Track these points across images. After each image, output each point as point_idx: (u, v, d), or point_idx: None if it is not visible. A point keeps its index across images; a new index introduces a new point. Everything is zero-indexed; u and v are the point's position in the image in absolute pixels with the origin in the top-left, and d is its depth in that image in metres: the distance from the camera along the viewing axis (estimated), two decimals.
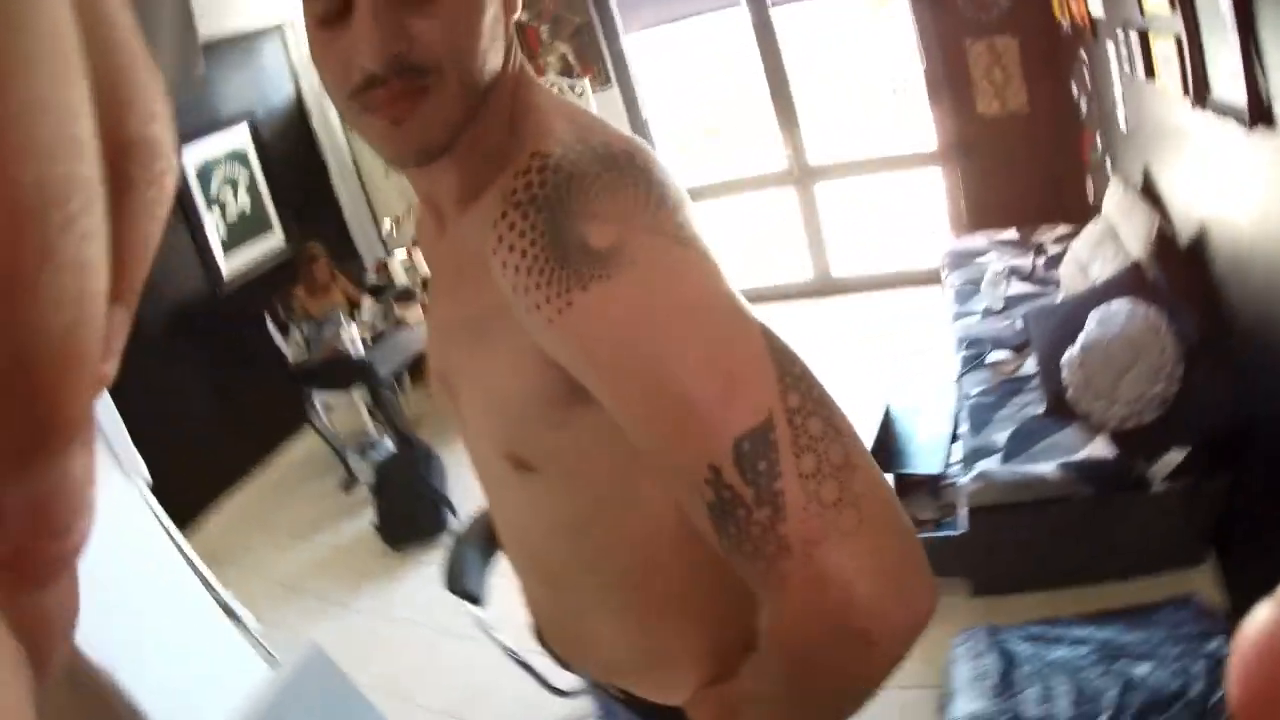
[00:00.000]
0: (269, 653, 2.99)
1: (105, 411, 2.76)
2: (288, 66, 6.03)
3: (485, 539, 2.39)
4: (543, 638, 1.19)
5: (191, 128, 5.02)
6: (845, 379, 4.25)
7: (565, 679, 2.35)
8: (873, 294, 5.51)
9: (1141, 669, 1.94)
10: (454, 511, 4.18)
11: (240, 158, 5.43)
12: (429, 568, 3.93)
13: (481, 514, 2.44)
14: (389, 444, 4.83)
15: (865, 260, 6.01)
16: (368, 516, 4.41)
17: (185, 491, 3.33)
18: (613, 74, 5.60)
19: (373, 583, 3.99)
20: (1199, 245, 2.91)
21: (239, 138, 5.43)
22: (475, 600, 2.26)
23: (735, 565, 0.67)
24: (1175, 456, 2.60)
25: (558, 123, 0.79)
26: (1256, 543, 2.58)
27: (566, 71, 5.54)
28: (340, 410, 5.16)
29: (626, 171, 0.70)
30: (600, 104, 5.42)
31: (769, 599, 0.67)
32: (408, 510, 4.19)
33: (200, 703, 2.51)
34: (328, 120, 6.24)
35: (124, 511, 2.69)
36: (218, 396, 5.13)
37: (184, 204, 5.00)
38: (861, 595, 0.62)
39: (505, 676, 3.04)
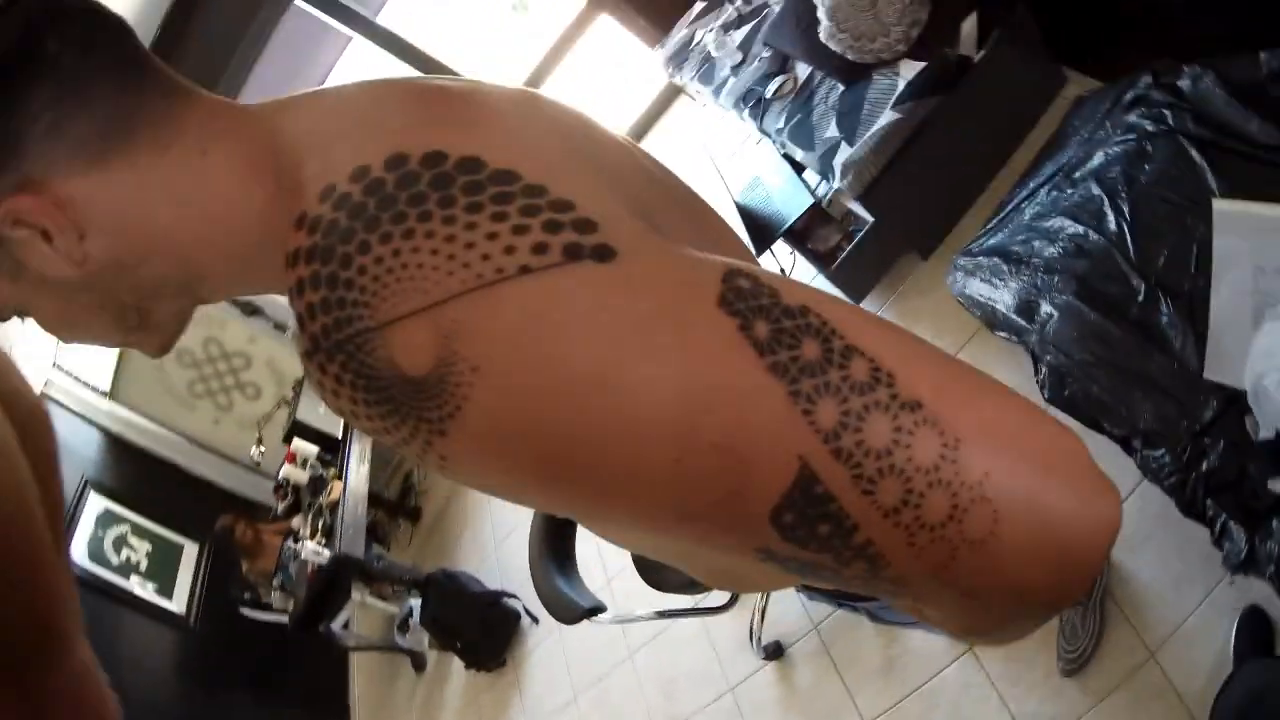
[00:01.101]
0: None
1: None
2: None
3: (552, 548, 2.35)
4: None
5: None
6: None
7: (719, 597, 2.44)
8: None
9: (1098, 160, 1.89)
10: (509, 594, 4.20)
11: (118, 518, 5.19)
12: (536, 650, 3.99)
13: (533, 528, 2.39)
14: (412, 602, 4.76)
15: None
16: (456, 668, 4.39)
17: None
18: None
19: (511, 705, 3.94)
20: None
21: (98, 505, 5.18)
22: (596, 609, 2.22)
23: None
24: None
25: (308, 166, 0.58)
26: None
27: None
28: (358, 616, 5.04)
29: (404, 207, 0.50)
30: None
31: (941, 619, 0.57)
32: (479, 627, 4.15)
33: None
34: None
35: None
36: (261, 703, 4.97)
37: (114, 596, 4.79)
38: (1033, 581, 0.49)
39: (676, 667, 3.14)
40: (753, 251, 0.66)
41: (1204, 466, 1.47)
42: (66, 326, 0.69)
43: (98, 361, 5.54)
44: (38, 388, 5.32)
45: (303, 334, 0.52)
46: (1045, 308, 1.83)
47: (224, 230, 0.63)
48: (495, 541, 4.71)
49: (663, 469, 0.47)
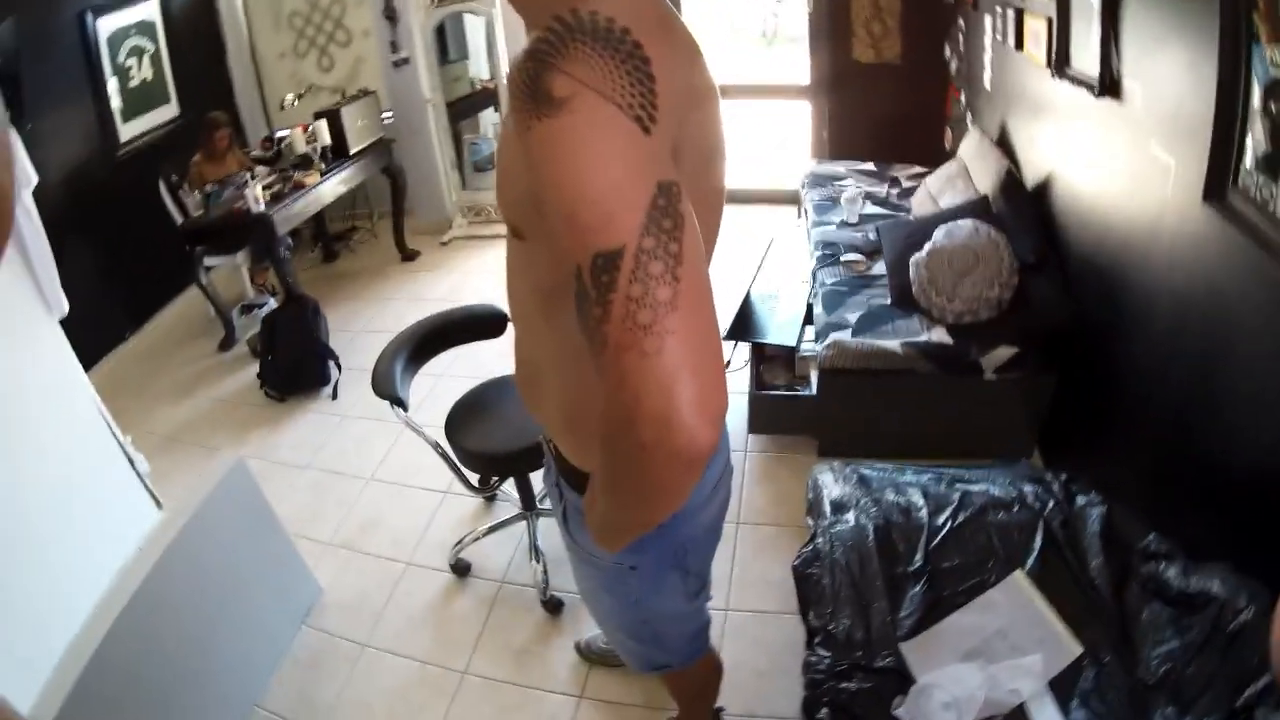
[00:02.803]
0: (156, 498, 3.10)
1: (38, 246, 2.83)
2: None
3: (410, 353, 2.76)
4: (521, 386, 1.44)
5: None
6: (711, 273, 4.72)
7: (473, 478, 2.77)
8: (740, 207, 5.87)
9: (979, 488, 2.34)
10: (339, 365, 4.43)
11: (149, 29, 5.42)
12: (314, 415, 4.20)
13: (404, 332, 2.82)
14: (273, 302, 4.97)
15: (734, 177, 6.33)
16: (248, 371, 4.61)
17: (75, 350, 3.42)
18: None
19: (258, 431, 4.15)
20: (1042, 187, 3.42)
21: (149, 9, 5.43)
22: (401, 403, 2.56)
23: (587, 347, 0.87)
24: (1005, 352, 3.06)
25: None
26: (1071, 439, 3.09)
27: None
28: (220, 277, 5.27)
29: (608, 45, 0.84)
30: (504, 11, 5.64)
31: (599, 380, 0.85)
32: (293, 363, 4.38)
33: (90, 535, 2.63)
34: (233, 3, 6.30)
35: (42, 344, 2.76)
36: (106, 257, 5.10)
37: (92, 72, 5.03)
38: (645, 408, 0.78)
39: (391, 513, 3.47)
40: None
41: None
42: None
43: None
44: None
45: (533, 43, 0.85)
46: (850, 515, 2.29)
47: None
48: (362, 329, 5.01)
49: (586, 214, 0.81)
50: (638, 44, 0.86)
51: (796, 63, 6.33)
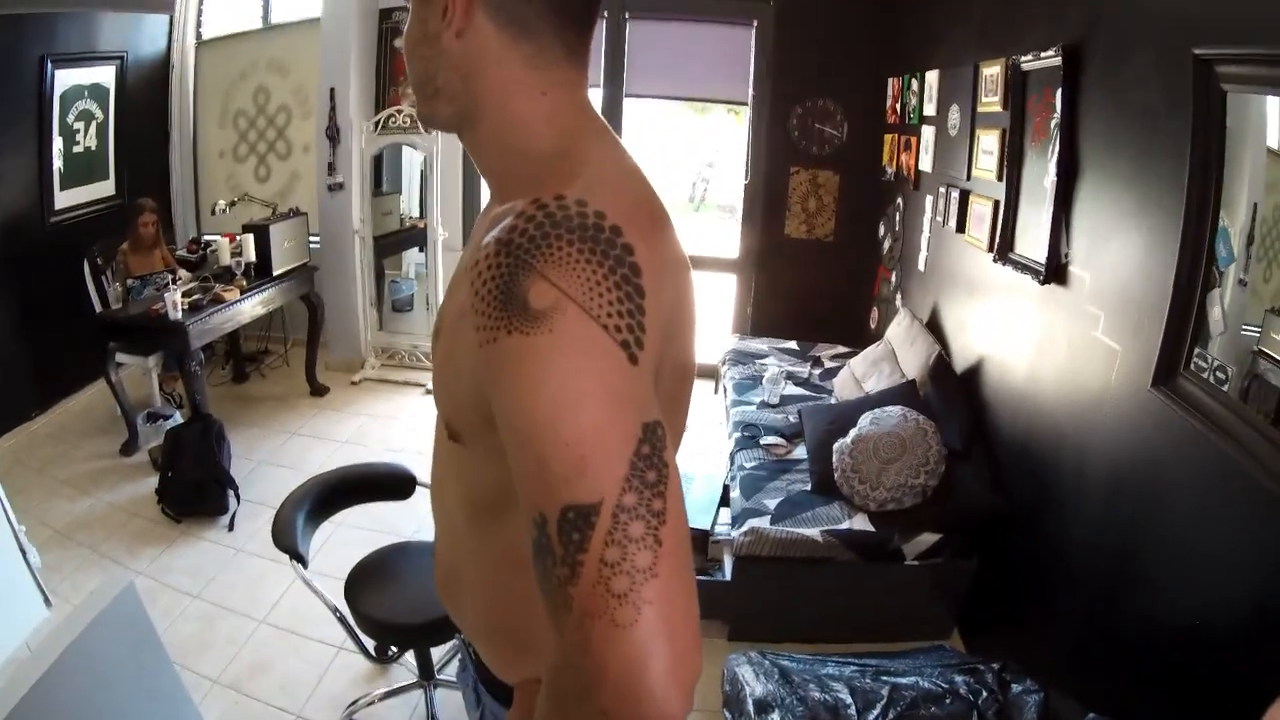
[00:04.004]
0: (45, 593, 2.93)
1: None
2: (166, 21, 6.11)
3: (313, 505, 2.65)
4: (439, 586, 1.32)
5: (72, 50, 5.07)
6: None
7: (370, 644, 2.61)
8: None
9: (908, 680, 2.29)
10: (238, 496, 4.21)
11: (101, 95, 5.41)
12: (209, 543, 3.97)
13: (310, 482, 2.70)
14: (179, 417, 4.78)
15: None
16: (147, 483, 4.38)
17: None
18: None
19: (151, 547, 3.91)
20: (972, 371, 3.48)
21: (106, 74, 5.42)
22: (300, 558, 2.45)
23: (538, 594, 0.76)
24: (929, 538, 3.06)
25: (586, 179, 0.86)
26: (993, 619, 3.08)
27: None
28: (131, 376, 5.06)
29: (598, 247, 0.76)
30: (446, 145, 5.67)
31: (553, 637, 0.75)
32: (193, 485, 4.16)
33: None
34: (185, 88, 6.32)
35: None
36: (21, 326, 4.96)
37: (41, 124, 4.96)
38: (611, 679, 0.68)
39: (283, 658, 3.29)
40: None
41: None
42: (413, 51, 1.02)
43: None
44: None
45: (507, 231, 0.78)
46: (775, 716, 2.22)
47: (511, 121, 0.95)
48: (265, 459, 4.82)
49: (558, 459, 0.72)
50: (629, 248, 0.79)
51: (724, 232, 6.38)
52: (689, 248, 1.05)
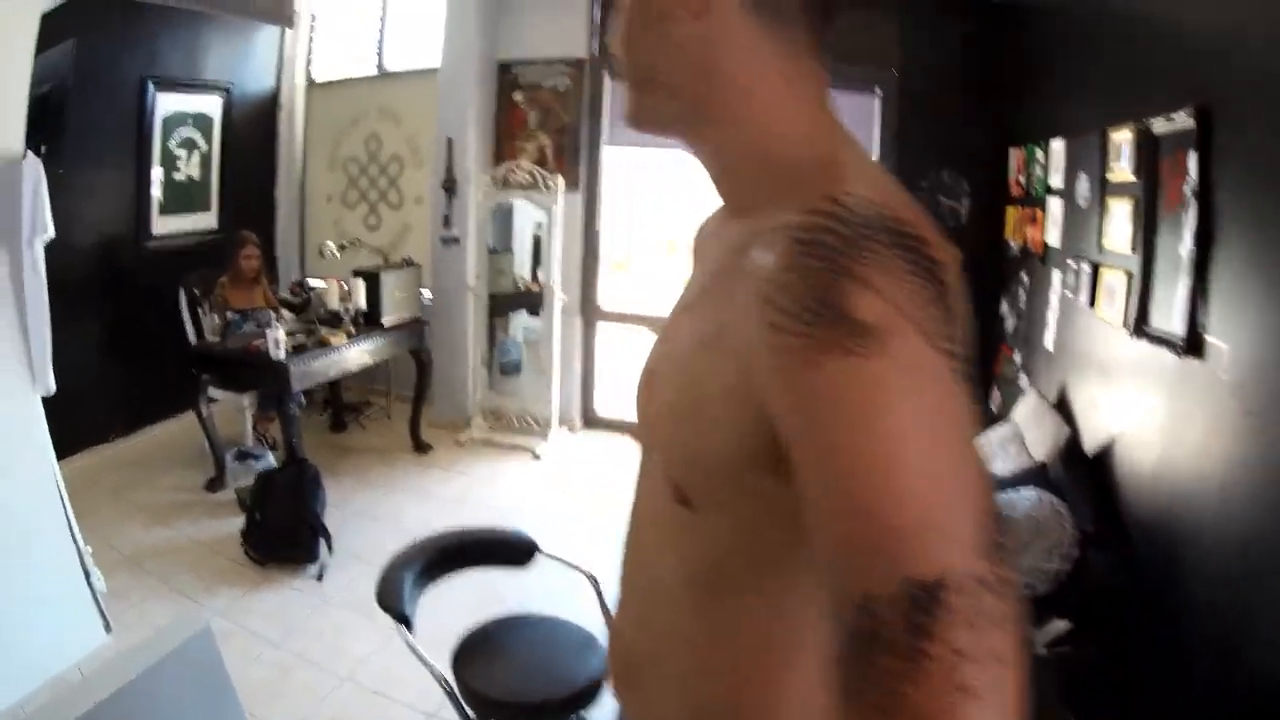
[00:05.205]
0: (105, 618, 2.84)
1: (37, 307, 2.68)
2: (276, 59, 6.19)
3: (424, 566, 2.46)
4: (618, 672, 1.09)
5: (173, 74, 5.13)
6: None
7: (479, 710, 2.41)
8: None
9: None
10: (330, 545, 4.06)
11: (205, 125, 5.46)
12: (294, 591, 3.84)
13: (422, 541, 2.50)
14: (271, 459, 4.72)
15: None
16: (232, 522, 4.28)
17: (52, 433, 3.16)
18: (583, 180, 5.71)
19: (230, 587, 3.80)
20: (1105, 454, 3.23)
21: (211, 104, 5.48)
22: (405, 621, 2.26)
23: (841, 698, 0.59)
24: (1060, 626, 2.82)
25: (857, 179, 0.74)
26: (1115, 715, 2.80)
27: (541, 162, 5.65)
28: (222, 411, 4.99)
29: (914, 257, 0.64)
30: (566, 205, 5.56)
31: None
32: (283, 530, 4.04)
33: (24, 630, 2.45)
34: (294, 129, 6.36)
35: (21, 422, 2.63)
36: (109, 348, 4.97)
37: (140, 148, 5.02)
38: None
39: (363, 716, 3.08)
40: None
41: None
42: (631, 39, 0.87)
43: None
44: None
45: (808, 230, 0.66)
46: None
47: (763, 120, 0.82)
48: (360, 512, 4.67)
49: (897, 515, 0.58)
50: (937, 260, 0.65)
51: None
52: None
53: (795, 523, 0.67)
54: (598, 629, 2.33)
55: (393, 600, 2.28)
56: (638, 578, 1.02)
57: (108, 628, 2.85)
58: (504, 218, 5.95)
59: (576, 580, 2.38)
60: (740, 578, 0.83)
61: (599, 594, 2.37)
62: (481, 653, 2.46)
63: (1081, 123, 3.67)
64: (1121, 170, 3.14)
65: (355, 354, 4.91)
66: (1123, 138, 3.12)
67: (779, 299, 0.64)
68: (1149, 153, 2.86)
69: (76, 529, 2.91)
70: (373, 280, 5.08)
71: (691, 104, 0.84)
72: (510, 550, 2.59)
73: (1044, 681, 2.88)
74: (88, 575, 2.90)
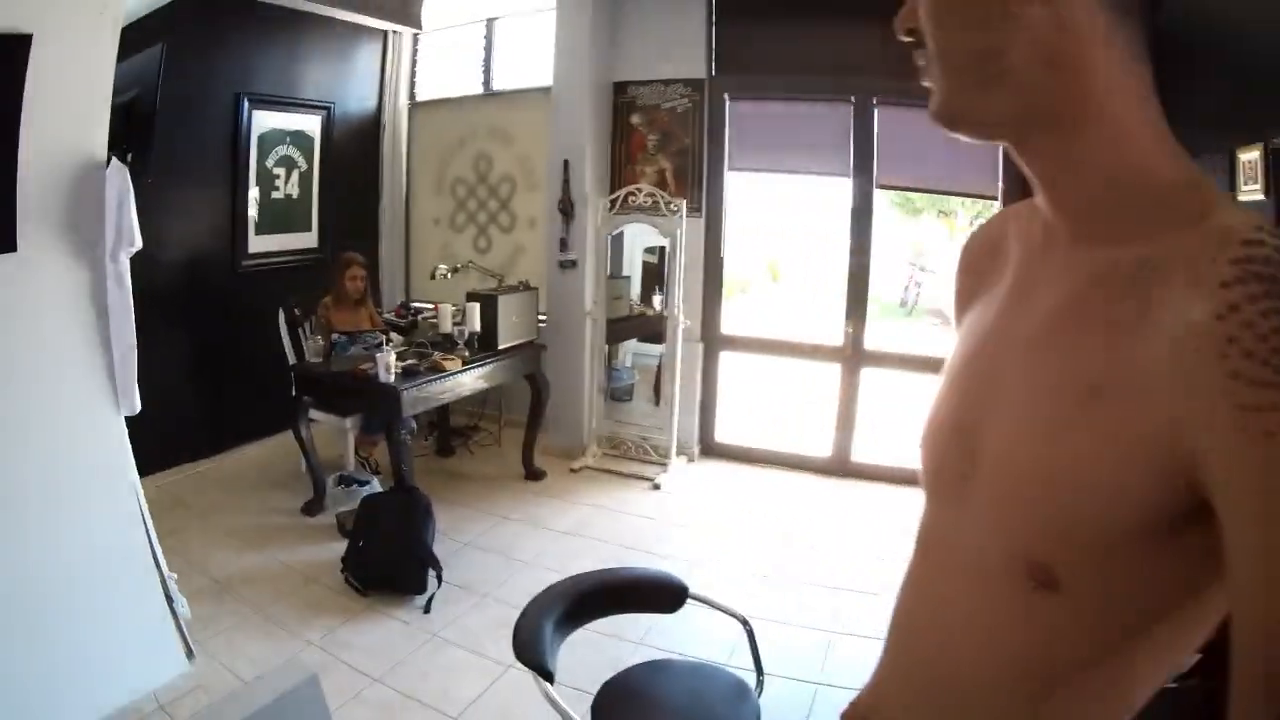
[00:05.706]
0: (189, 645, 2.76)
1: (122, 322, 2.60)
2: (377, 77, 6.10)
3: (564, 612, 2.25)
4: None
5: (270, 92, 5.07)
6: (851, 561, 4.23)
7: None
8: (883, 485, 5.29)
9: None
10: (440, 577, 3.82)
11: (305, 144, 5.38)
12: (399, 624, 3.62)
13: (561, 585, 2.30)
14: (375, 483, 4.53)
15: (884, 452, 5.63)
16: (332, 548, 4.10)
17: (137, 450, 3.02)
18: (704, 204, 5.48)
19: (327, 617, 3.59)
20: None
21: (311, 123, 5.41)
22: (546, 673, 2.04)
23: None
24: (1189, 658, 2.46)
25: (1224, 203, 0.66)
26: None
27: (661, 186, 5.44)
28: (322, 434, 4.82)
29: None
30: (688, 229, 5.34)
31: None
32: (388, 559, 3.82)
33: (101, 670, 2.41)
34: (397, 150, 6.25)
35: (102, 441, 2.55)
36: (198, 366, 4.91)
37: (235, 165, 4.94)
38: None
39: None
40: None
41: None
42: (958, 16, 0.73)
43: None
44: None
45: (1263, 264, 0.57)
46: None
47: (1125, 129, 0.70)
48: (471, 543, 4.43)
49: None
50: None
51: (934, 342, 6.07)
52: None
53: (1158, 593, 0.66)
54: (749, 676, 2.19)
55: (533, 653, 2.07)
56: (937, 664, 0.84)
57: (190, 655, 2.68)
58: (615, 242, 5.74)
59: (717, 620, 2.24)
60: (1080, 666, 0.73)
61: (751, 639, 2.22)
62: (625, 702, 2.23)
63: (1207, 143, 3.40)
64: (1251, 190, 3.09)
65: (470, 379, 4.71)
66: (1251, 157, 3.09)
67: (1250, 347, 0.55)
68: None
69: (159, 551, 2.80)
70: (489, 303, 4.86)
71: (1040, 103, 0.70)
72: (658, 594, 2.37)
73: (1174, 717, 2.56)
74: (170, 599, 2.75)
